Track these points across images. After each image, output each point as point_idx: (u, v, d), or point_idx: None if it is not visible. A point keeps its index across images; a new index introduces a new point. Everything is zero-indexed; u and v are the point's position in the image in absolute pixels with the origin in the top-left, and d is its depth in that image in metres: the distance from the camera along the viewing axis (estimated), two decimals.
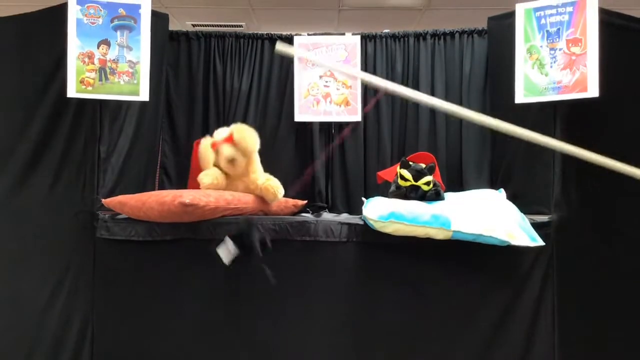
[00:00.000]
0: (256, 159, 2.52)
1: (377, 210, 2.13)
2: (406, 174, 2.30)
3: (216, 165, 2.43)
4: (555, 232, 2.23)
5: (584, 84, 2.19)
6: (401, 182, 2.32)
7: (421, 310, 2.21)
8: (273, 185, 2.40)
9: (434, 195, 2.29)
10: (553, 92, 2.26)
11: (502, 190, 2.48)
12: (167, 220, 2.17)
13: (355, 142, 3.10)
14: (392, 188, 2.41)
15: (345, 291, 2.22)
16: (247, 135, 2.40)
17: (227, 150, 2.38)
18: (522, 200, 2.32)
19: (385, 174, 2.65)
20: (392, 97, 3.09)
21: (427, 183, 2.29)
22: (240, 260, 2.22)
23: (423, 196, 2.29)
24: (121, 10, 2.32)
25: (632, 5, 3.98)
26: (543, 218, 2.26)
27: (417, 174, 2.30)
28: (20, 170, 2.33)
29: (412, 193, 2.31)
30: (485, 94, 2.97)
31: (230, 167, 2.40)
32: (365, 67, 3.09)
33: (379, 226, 2.11)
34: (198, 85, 3.12)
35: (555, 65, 2.26)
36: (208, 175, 2.39)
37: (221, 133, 2.49)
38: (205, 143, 2.48)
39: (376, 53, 3.12)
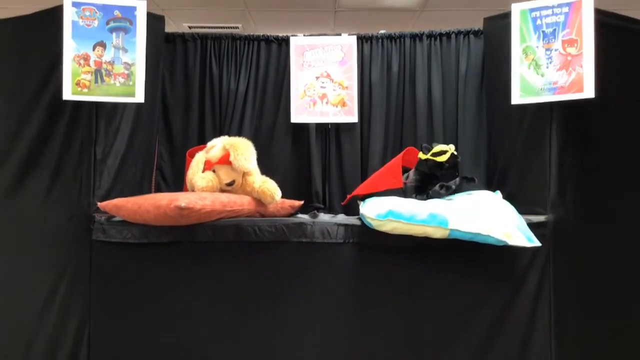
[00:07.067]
0: None
1: (375, 209, 2.13)
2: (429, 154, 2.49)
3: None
4: (551, 232, 2.23)
5: (580, 85, 2.19)
6: (438, 158, 2.46)
7: (418, 310, 2.21)
8: (270, 188, 2.40)
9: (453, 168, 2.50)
10: (549, 92, 2.26)
11: (498, 192, 2.48)
12: (163, 223, 2.16)
13: (352, 143, 3.10)
14: (415, 177, 2.58)
15: (342, 292, 2.22)
16: (243, 156, 2.40)
17: (226, 176, 2.42)
18: (518, 201, 2.32)
19: (366, 188, 2.63)
20: (388, 98, 3.09)
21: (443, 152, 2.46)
22: (237, 263, 2.23)
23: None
24: (117, 12, 2.31)
25: (628, 6, 4.00)
26: (539, 218, 2.26)
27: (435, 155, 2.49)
28: (16, 173, 2.32)
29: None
30: (481, 94, 2.97)
31: (230, 188, 2.44)
32: (361, 68, 3.09)
33: (377, 224, 2.11)
34: (194, 87, 3.11)
35: (551, 65, 2.26)
36: (203, 179, 2.40)
37: (214, 147, 2.49)
38: (198, 158, 2.49)
39: (372, 54, 3.12)
